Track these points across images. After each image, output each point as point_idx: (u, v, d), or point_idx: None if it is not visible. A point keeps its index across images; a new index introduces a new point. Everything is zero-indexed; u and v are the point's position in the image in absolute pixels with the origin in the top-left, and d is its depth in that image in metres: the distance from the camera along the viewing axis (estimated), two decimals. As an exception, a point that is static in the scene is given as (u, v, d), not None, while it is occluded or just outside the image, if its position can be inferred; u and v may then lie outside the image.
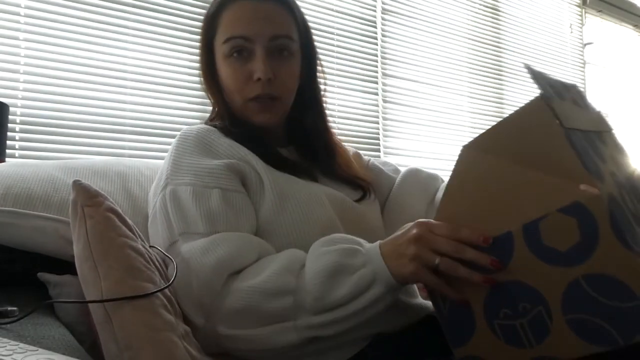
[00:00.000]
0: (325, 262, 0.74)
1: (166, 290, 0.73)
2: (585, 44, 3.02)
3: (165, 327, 0.67)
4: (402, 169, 1.14)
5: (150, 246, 0.81)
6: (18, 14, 1.43)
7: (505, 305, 0.64)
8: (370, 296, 0.72)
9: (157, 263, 0.77)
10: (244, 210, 0.83)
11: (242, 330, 0.75)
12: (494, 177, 0.65)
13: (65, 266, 0.86)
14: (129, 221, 0.77)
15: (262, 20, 0.88)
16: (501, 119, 0.68)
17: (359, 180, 1.00)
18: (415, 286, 0.94)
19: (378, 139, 2.14)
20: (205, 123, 0.96)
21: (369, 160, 1.12)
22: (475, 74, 2.51)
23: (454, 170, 0.68)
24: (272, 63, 0.88)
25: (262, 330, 0.74)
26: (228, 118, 0.93)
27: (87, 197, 0.73)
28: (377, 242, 0.75)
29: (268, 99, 0.89)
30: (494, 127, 0.67)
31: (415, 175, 1.10)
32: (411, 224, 0.72)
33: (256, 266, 0.77)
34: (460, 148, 0.67)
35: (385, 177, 1.10)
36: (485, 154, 0.66)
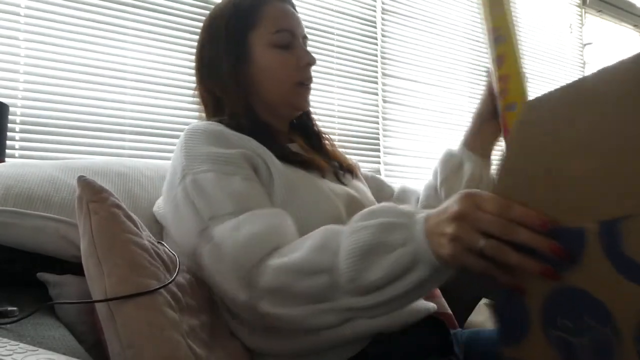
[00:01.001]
0: (358, 239, 0.68)
1: (172, 287, 0.73)
2: (585, 44, 3.02)
3: (168, 325, 0.67)
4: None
5: (158, 242, 0.80)
6: (18, 14, 1.43)
7: (565, 315, 0.52)
8: (411, 280, 0.65)
9: (164, 257, 0.76)
10: (264, 195, 0.83)
11: (282, 309, 0.72)
12: (567, 152, 0.51)
13: (66, 266, 0.86)
14: (134, 216, 0.77)
15: (298, 20, 0.99)
16: (587, 74, 0.52)
17: (346, 163, 1.05)
18: None
19: (378, 139, 2.14)
20: (211, 120, 0.97)
21: (370, 175, 1.18)
22: (475, 74, 2.51)
23: (514, 131, 0.56)
24: None
25: (300, 311, 0.71)
26: (247, 112, 0.94)
27: (92, 192, 0.73)
28: (424, 214, 0.66)
29: (308, 85, 0.98)
30: (574, 82, 0.52)
31: (410, 189, 1.17)
32: (458, 194, 0.61)
33: (293, 244, 0.75)
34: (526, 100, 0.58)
35: (386, 186, 1.17)
36: (556, 119, 0.52)
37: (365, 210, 0.72)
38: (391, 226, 0.67)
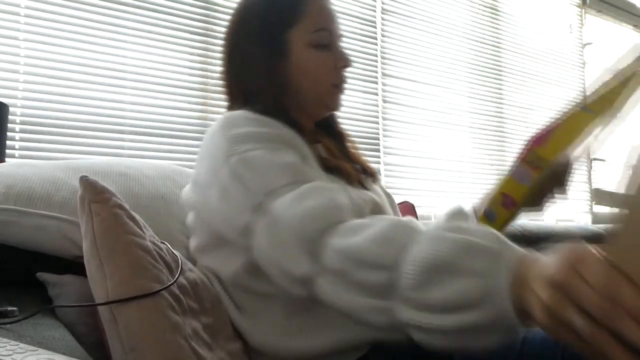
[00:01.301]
0: (432, 250, 0.60)
1: (174, 289, 0.73)
2: (585, 44, 3.02)
3: (170, 328, 0.66)
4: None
5: (161, 242, 0.80)
6: (18, 14, 1.43)
7: None
8: (471, 318, 0.56)
9: (166, 258, 0.76)
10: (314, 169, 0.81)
11: (339, 292, 0.67)
12: None
13: (66, 266, 0.86)
14: (137, 217, 0.77)
15: (336, 18, 0.98)
16: None
17: (367, 167, 1.04)
18: None
19: (378, 139, 2.14)
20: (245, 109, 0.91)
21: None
22: (475, 74, 2.51)
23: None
24: None
25: (356, 300, 0.65)
26: (278, 110, 0.90)
27: (94, 193, 0.73)
28: (518, 253, 0.57)
29: (343, 87, 0.98)
30: None
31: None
32: (563, 250, 0.50)
33: (360, 224, 0.69)
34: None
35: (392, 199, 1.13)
36: None
37: (457, 222, 0.66)
38: (475, 249, 0.59)
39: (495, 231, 0.62)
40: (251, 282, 0.84)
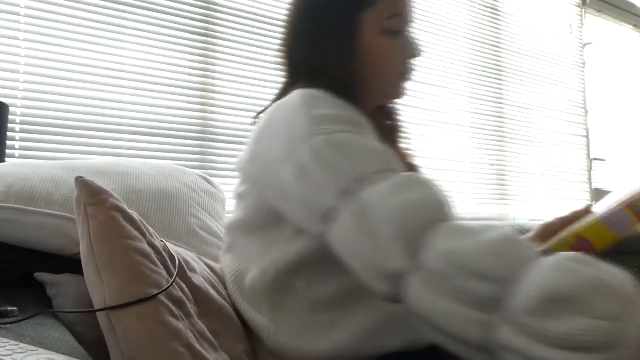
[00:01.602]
0: (559, 279, 0.55)
1: (175, 292, 0.71)
2: (585, 44, 3.02)
3: (170, 336, 0.65)
4: None
5: (160, 240, 0.78)
6: (18, 14, 1.43)
7: None
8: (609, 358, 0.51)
9: (166, 261, 0.74)
10: None
11: (433, 295, 0.60)
12: None
13: (66, 265, 0.85)
14: (136, 217, 0.75)
15: (412, 4, 0.92)
16: None
17: (414, 165, 1.01)
18: None
19: (378, 139, 2.14)
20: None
21: None
22: (475, 74, 2.51)
23: None
24: None
25: (455, 309, 0.58)
26: (352, 95, 0.83)
27: (90, 194, 0.71)
28: None
29: (410, 76, 0.93)
30: None
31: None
32: None
33: (466, 228, 0.63)
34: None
35: None
36: None
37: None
38: (607, 289, 0.54)
39: (627, 273, 0.56)
40: (292, 273, 0.80)
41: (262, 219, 0.84)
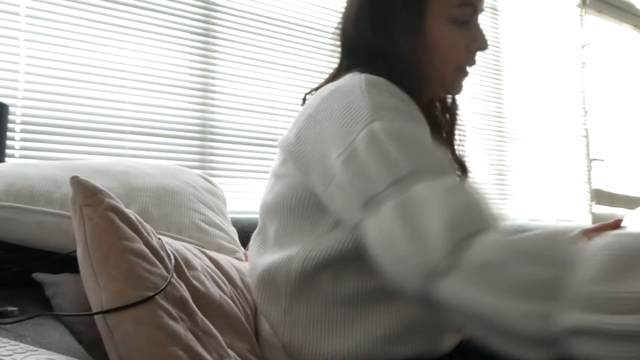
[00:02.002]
0: (624, 240, 0.52)
1: (176, 292, 0.71)
2: (584, 45, 3.02)
3: (169, 340, 0.64)
4: None
5: (158, 238, 0.77)
6: (18, 14, 1.43)
7: None
8: None
9: (165, 259, 0.73)
10: None
11: (478, 292, 0.56)
12: None
13: (65, 264, 0.85)
14: (132, 216, 0.74)
15: None
16: None
17: (465, 168, 0.97)
18: None
19: (378, 139, 2.14)
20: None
21: None
22: (475, 74, 2.51)
23: None
24: None
25: (504, 304, 0.54)
26: (410, 82, 0.80)
27: (85, 195, 0.70)
28: None
29: (468, 71, 0.89)
30: None
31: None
32: None
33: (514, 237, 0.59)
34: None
35: None
36: None
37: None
38: None
39: None
40: (321, 266, 0.77)
41: (301, 205, 0.79)
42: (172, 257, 0.75)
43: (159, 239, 0.78)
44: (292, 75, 1.86)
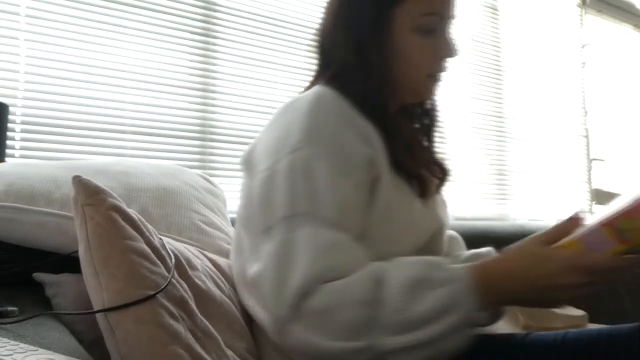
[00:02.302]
0: (409, 273, 0.69)
1: (176, 291, 0.71)
2: (584, 45, 3.02)
3: (170, 339, 0.64)
4: None
5: (159, 238, 0.77)
6: (18, 14, 1.43)
7: None
8: (449, 322, 0.67)
9: (166, 259, 0.73)
10: (365, 214, 0.77)
11: (315, 337, 0.68)
12: None
13: (66, 264, 0.85)
14: (134, 216, 0.74)
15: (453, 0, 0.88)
16: None
17: (445, 171, 0.98)
18: None
19: (378, 139, 2.13)
20: (330, 87, 0.84)
21: None
22: (475, 74, 2.51)
23: None
24: None
25: (334, 346, 0.67)
26: (382, 91, 0.84)
27: (87, 195, 0.70)
28: (471, 265, 0.71)
29: (439, 77, 0.91)
30: None
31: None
32: (537, 257, 0.69)
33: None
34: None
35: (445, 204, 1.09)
36: None
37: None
38: (439, 264, 0.70)
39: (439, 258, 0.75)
40: None
41: (249, 221, 0.84)
42: (172, 256, 0.76)
43: (160, 238, 0.78)
44: (292, 75, 1.86)
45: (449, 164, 0.98)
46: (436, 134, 0.99)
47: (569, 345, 0.80)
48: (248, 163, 0.85)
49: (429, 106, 0.98)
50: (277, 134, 0.79)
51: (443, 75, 0.91)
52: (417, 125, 0.98)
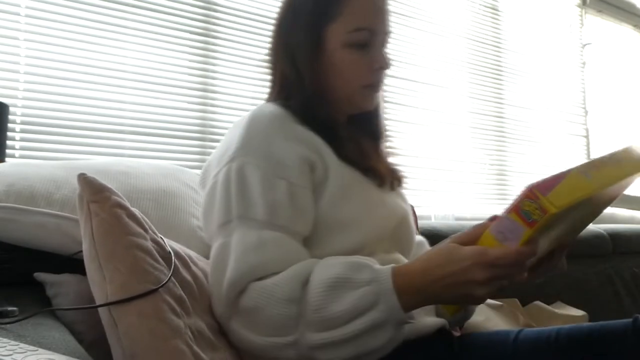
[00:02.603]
0: (329, 273, 0.73)
1: (176, 289, 0.72)
2: (585, 44, 3.02)
3: (171, 334, 0.65)
4: None
5: (160, 237, 0.78)
6: (18, 14, 1.43)
7: None
8: (371, 318, 0.70)
9: (167, 257, 0.75)
10: (305, 209, 0.83)
11: (249, 334, 0.75)
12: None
13: (66, 264, 0.86)
14: (138, 214, 0.75)
15: (383, 15, 0.94)
16: None
17: (398, 173, 1.02)
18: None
19: (378, 139, 2.13)
20: (276, 102, 0.94)
21: None
22: (475, 74, 2.51)
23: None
24: None
25: (264, 341, 0.74)
26: (318, 102, 0.91)
27: (92, 192, 0.71)
28: (390, 267, 0.74)
29: (378, 88, 0.96)
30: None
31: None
32: (450, 256, 0.71)
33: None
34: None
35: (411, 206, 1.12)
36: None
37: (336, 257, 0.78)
38: (361, 265, 0.73)
39: (365, 258, 0.77)
40: None
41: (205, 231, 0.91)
42: (174, 254, 0.77)
43: (161, 237, 0.79)
44: (292, 75, 1.86)
45: (402, 170, 1.03)
46: (384, 141, 1.04)
47: (563, 341, 0.82)
48: (203, 180, 0.94)
49: (370, 116, 1.03)
50: (221, 149, 0.88)
51: (379, 86, 0.96)
52: (366, 133, 1.02)
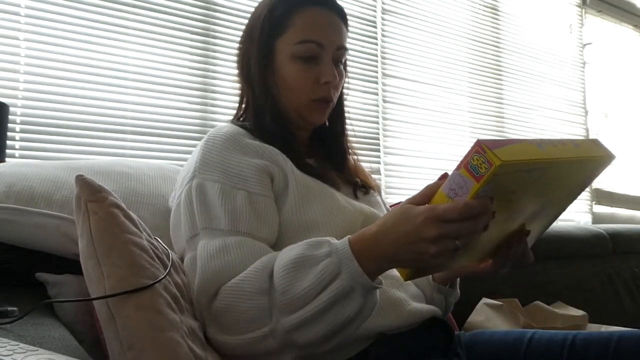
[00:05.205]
0: (289, 256, 0.74)
1: (172, 288, 0.73)
2: (585, 44, 3.02)
3: (168, 326, 0.66)
4: None
5: (154, 238, 0.80)
6: (18, 14, 1.43)
7: None
8: (335, 288, 0.69)
9: (162, 257, 0.76)
10: (267, 215, 0.84)
11: (226, 337, 0.75)
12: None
13: (66, 265, 0.86)
14: (134, 216, 0.76)
15: (333, 29, 0.95)
16: None
17: (366, 183, 1.04)
18: (420, 291, 0.94)
19: (378, 139, 2.14)
20: (233, 122, 0.98)
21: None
22: (475, 74, 2.51)
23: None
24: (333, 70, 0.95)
25: (242, 339, 0.74)
26: (271, 115, 0.94)
27: (90, 192, 0.73)
28: (346, 237, 0.73)
29: (327, 102, 0.97)
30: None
31: None
32: (403, 215, 0.68)
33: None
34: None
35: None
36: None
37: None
38: (318, 242, 0.74)
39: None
40: None
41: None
42: (169, 252, 0.79)
43: (156, 238, 0.80)
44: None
45: (372, 180, 1.06)
46: (345, 153, 1.05)
47: (578, 346, 0.82)
48: (172, 203, 0.94)
49: (331, 131, 1.05)
50: (183, 172, 0.90)
51: (330, 100, 0.97)
52: (327, 151, 1.04)
